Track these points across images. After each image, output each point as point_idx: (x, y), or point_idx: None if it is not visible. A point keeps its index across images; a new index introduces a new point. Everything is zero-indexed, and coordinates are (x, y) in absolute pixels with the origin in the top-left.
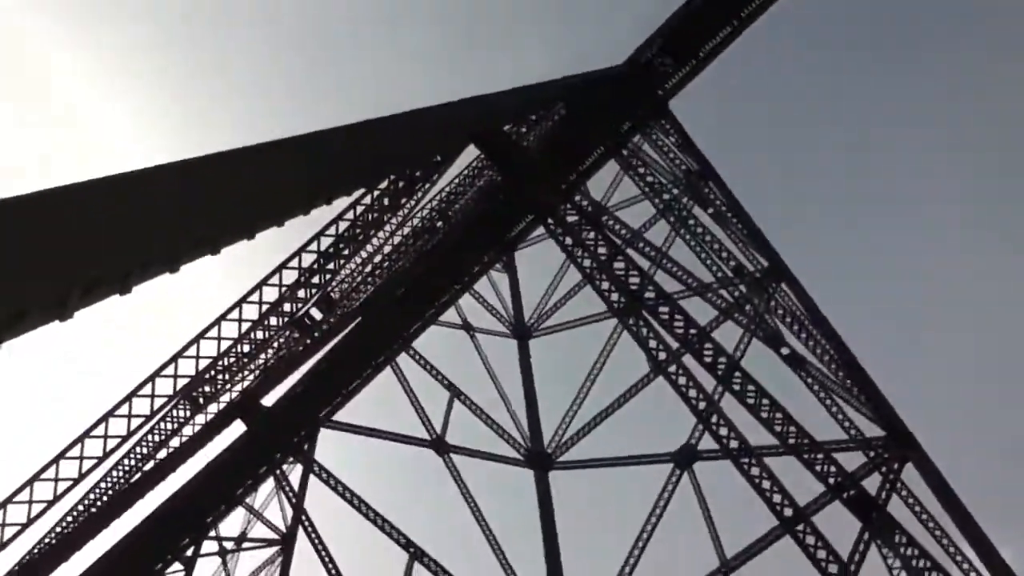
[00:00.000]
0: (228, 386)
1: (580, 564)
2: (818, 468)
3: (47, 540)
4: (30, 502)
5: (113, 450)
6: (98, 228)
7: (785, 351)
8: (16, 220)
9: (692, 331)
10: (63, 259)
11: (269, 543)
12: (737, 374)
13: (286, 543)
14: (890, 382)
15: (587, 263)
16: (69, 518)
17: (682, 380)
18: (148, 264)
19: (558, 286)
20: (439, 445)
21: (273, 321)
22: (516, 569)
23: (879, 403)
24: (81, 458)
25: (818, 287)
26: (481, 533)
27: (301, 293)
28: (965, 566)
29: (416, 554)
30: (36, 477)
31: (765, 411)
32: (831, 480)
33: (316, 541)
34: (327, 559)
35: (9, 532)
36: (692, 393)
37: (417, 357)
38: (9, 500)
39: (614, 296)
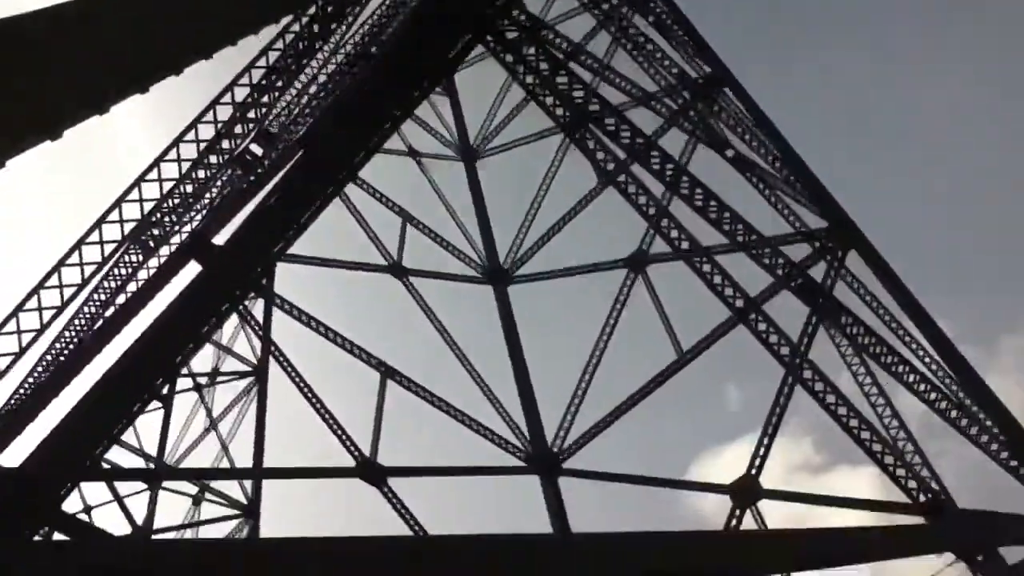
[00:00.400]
0: (177, 228)
1: (546, 370)
2: (766, 261)
3: (18, 395)
4: None
5: (71, 298)
6: (20, 71)
7: (730, 153)
8: None
9: (639, 140)
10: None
11: (242, 375)
12: (685, 178)
13: (259, 374)
14: (832, 180)
15: (529, 79)
16: (39, 370)
17: (631, 188)
18: (76, 107)
19: (501, 105)
20: (396, 269)
21: (213, 159)
22: (485, 377)
23: (821, 195)
24: (40, 309)
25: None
26: (449, 351)
27: (238, 129)
28: (907, 339)
29: (387, 372)
30: None
31: (713, 212)
32: (779, 271)
33: (288, 368)
34: (300, 383)
35: None
36: (642, 200)
37: (365, 186)
38: None
39: (559, 111)
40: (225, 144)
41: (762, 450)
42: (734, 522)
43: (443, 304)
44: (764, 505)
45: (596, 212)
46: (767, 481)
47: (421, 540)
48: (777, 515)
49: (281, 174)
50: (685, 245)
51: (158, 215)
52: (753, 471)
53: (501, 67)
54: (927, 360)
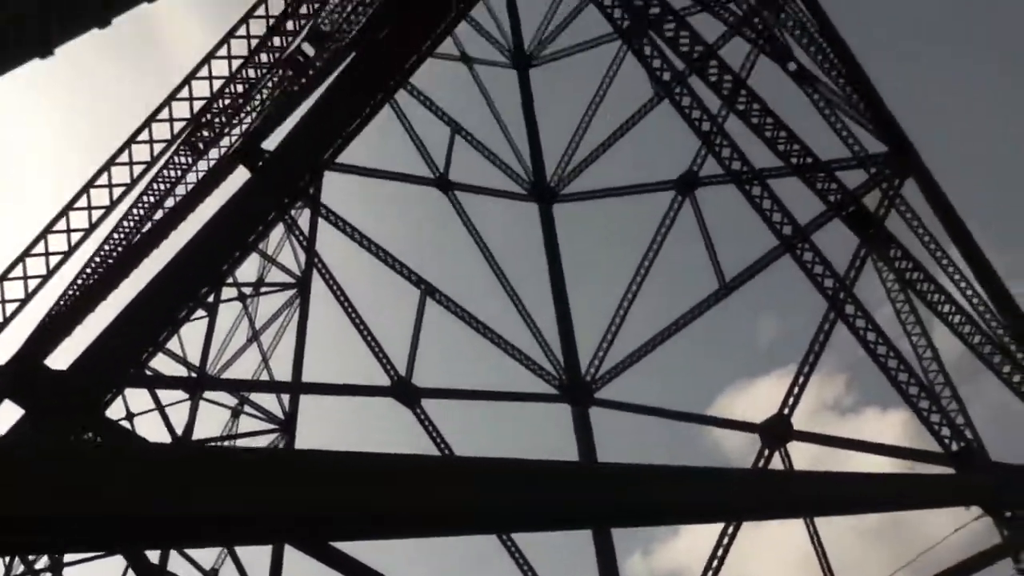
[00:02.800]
0: (227, 130)
1: (585, 292)
2: (819, 186)
3: (68, 293)
4: (46, 254)
5: (120, 198)
6: None
7: (792, 67)
8: None
9: (698, 48)
10: None
11: (285, 287)
12: (743, 92)
13: (302, 286)
14: (900, 104)
15: None
16: (87, 271)
17: (686, 102)
18: None
19: (558, 8)
20: (443, 183)
21: (264, 58)
22: (523, 299)
23: (884, 117)
24: (89, 208)
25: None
26: (489, 269)
27: (290, 25)
28: (957, 277)
29: (427, 290)
30: (48, 229)
31: (769, 130)
32: (832, 198)
33: (330, 281)
34: (342, 297)
35: (32, 284)
36: (696, 115)
37: (415, 93)
38: (27, 253)
39: (616, 13)
40: (276, 42)
41: (796, 389)
42: (762, 463)
43: (488, 221)
44: (791, 447)
45: (649, 130)
46: (796, 422)
47: (446, 459)
48: (801, 457)
49: (332, 78)
50: (736, 166)
51: (208, 116)
52: (785, 411)
53: None
54: (972, 296)
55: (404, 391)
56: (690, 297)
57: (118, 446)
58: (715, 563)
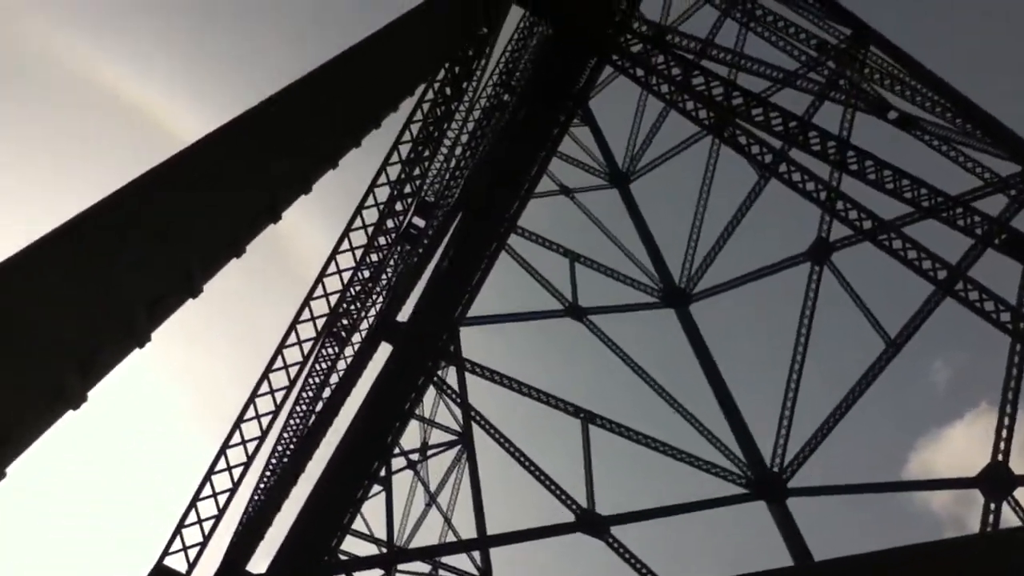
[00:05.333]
0: (363, 315)
1: (747, 383)
2: (960, 223)
3: (255, 499)
4: (228, 469)
5: (283, 401)
6: (208, 192)
7: (892, 115)
8: (132, 214)
9: (792, 124)
10: (182, 239)
11: (449, 445)
12: (851, 153)
13: (465, 440)
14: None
15: (664, 88)
16: (267, 475)
17: (795, 176)
18: (254, 221)
19: (641, 123)
20: (574, 311)
21: (382, 241)
22: (686, 406)
23: (1005, 136)
24: (258, 416)
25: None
26: (643, 383)
27: (398, 206)
28: None
29: (587, 417)
30: (226, 444)
31: (890, 181)
32: (978, 231)
33: (490, 430)
34: (505, 443)
35: (222, 499)
36: (809, 187)
37: (527, 234)
38: (211, 471)
39: (702, 113)
40: (390, 223)
41: (1004, 431)
42: (991, 518)
43: (628, 333)
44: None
45: (764, 208)
46: (1014, 466)
47: None
48: None
49: (446, 240)
50: (867, 224)
51: (344, 306)
52: (999, 456)
53: (633, 82)
54: None
55: (590, 523)
56: (853, 363)
57: None
58: None
